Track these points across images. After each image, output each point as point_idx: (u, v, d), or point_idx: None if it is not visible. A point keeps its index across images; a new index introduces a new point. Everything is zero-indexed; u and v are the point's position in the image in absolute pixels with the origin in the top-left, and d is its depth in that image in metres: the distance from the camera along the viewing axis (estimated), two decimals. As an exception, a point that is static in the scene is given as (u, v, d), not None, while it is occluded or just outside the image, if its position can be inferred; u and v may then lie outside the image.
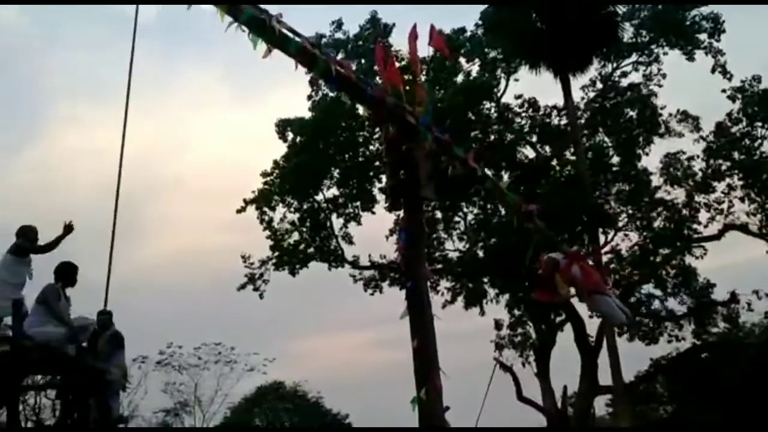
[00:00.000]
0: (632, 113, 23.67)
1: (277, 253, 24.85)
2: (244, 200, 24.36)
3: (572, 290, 11.14)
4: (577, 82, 23.35)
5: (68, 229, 9.16)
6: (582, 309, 23.99)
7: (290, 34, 5.97)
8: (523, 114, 24.48)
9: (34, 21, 63.59)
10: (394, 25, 23.14)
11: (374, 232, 25.53)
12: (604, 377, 21.92)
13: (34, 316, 8.81)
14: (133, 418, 25.02)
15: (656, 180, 23.65)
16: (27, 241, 9.11)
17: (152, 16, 62.60)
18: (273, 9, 5.62)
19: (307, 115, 24.06)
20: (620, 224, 23.65)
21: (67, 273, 9.26)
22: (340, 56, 23.91)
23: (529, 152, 24.54)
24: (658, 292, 23.93)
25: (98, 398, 9.51)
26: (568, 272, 10.55)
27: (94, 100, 61.96)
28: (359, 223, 24.97)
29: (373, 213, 24.68)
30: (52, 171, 56.31)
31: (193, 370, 29.32)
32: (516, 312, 25.30)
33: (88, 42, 61.24)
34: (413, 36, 7.91)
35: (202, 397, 29.45)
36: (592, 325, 23.51)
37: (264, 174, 24.59)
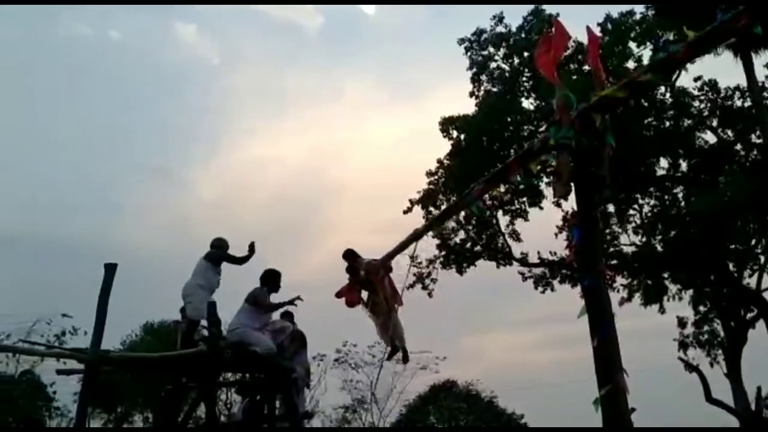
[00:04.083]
0: (826, 90, 21.49)
1: (443, 252, 24.99)
2: (410, 201, 24.70)
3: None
4: (761, 60, 21.50)
5: (252, 248, 9.97)
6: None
7: None
8: (702, 97, 22.94)
9: (213, 38, 68.31)
10: (557, 15, 22.46)
11: (543, 229, 25.03)
12: (804, 377, 20.08)
13: (245, 317, 9.47)
14: (315, 414, 26.08)
15: None
16: (222, 252, 9.93)
17: (316, 31, 65.33)
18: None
19: (471, 111, 23.99)
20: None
21: (272, 278, 9.92)
22: (501, 51, 23.93)
23: (710, 137, 23.05)
24: None
25: (284, 395, 10.00)
26: (383, 283, 10.18)
27: (269, 113, 65.69)
28: (527, 219, 24.55)
29: (541, 208, 24.19)
30: (233, 181, 60.26)
31: (368, 367, 30.14)
32: (701, 308, 23.80)
33: (262, 56, 64.84)
34: (593, 41, 7.57)
35: (378, 395, 30.22)
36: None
37: (429, 173, 24.83)
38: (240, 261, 10.03)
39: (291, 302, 9.92)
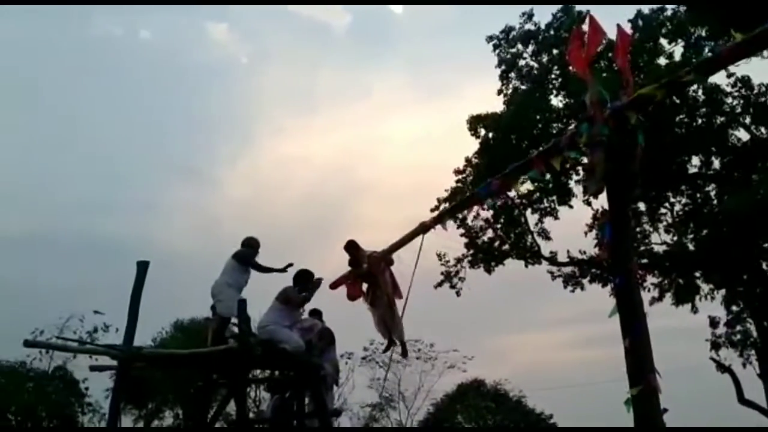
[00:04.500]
0: None
1: (471, 251, 24.91)
2: (438, 199, 24.64)
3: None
4: (796, 56, 21.04)
5: (287, 268, 10.21)
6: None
7: None
8: (735, 94, 22.53)
9: (242, 37, 68.73)
10: (588, 12, 22.22)
11: (572, 227, 24.85)
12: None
13: (275, 315, 9.57)
14: (343, 411, 26.16)
15: None
16: (252, 251, 10.07)
17: (345, 30, 65.52)
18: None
19: (500, 110, 23.89)
20: None
21: (305, 279, 10.14)
22: (530, 48, 23.77)
23: (743, 135, 22.64)
24: None
25: (313, 392, 10.07)
26: (384, 276, 10.16)
27: (297, 112, 65.93)
28: (556, 218, 24.38)
29: (570, 207, 23.99)
30: (262, 180, 60.62)
31: (395, 366, 30.15)
32: (734, 308, 23.45)
33: (290, 55, 65.11)
34: (623, 39, 7.45)
35: (406, 393, 30.25)
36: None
37: (457, 172, 24.76)
38: (264, 270, 10.24)
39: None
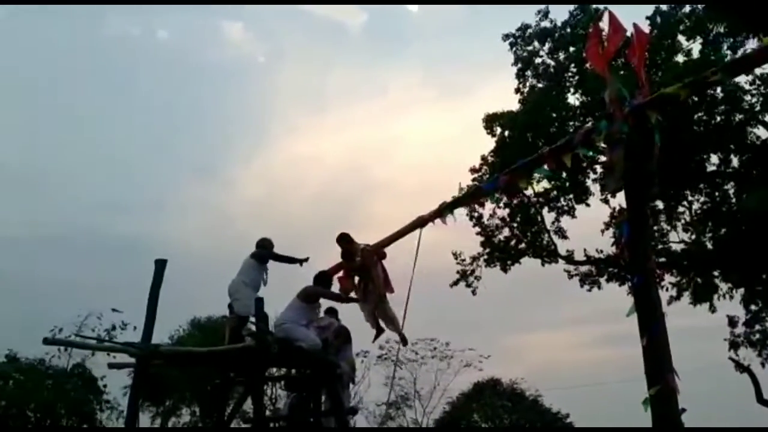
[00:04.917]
0: None
1: (488, 250, 24.84)
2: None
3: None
4: (819, 51, 20.70)
5: (303, 261, 10.34)
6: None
7: None
8: (753, 91, 22.26)
9: (258, 37, 68.95)
10: (605, 8, 22.04)
11: (589, 226, 24.73)
12: None
13: (293, 313, 9.63)
14: (359, 409, 26.22)
15: None
16: (266, 252, 10.16)
17: (360, 29, 65.53)
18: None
19: (516, 108, 23.81)
20: None
21: (325, 280, 10.29)
22: (547, 46, 23.63)
23: (762, 133, 22.38)
24: None
25: (330, 390, 10.10)
26: (376, 269, 10.23)
27: (312, 111, 66.12)
28: (573, 216, 24.24)
29: (588, 205, 23.84)
30: (275, 179, 60.81)
31: (410, 364, 30.20)
32: (753, 307, 23.24)
33: (305, 54, 65.26)
34: (641, 38, 7.38)
35: (422, 391, 30.30)
36: None
37: (472, 170, 24.67)
38: (284, 260, 10.30)
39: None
